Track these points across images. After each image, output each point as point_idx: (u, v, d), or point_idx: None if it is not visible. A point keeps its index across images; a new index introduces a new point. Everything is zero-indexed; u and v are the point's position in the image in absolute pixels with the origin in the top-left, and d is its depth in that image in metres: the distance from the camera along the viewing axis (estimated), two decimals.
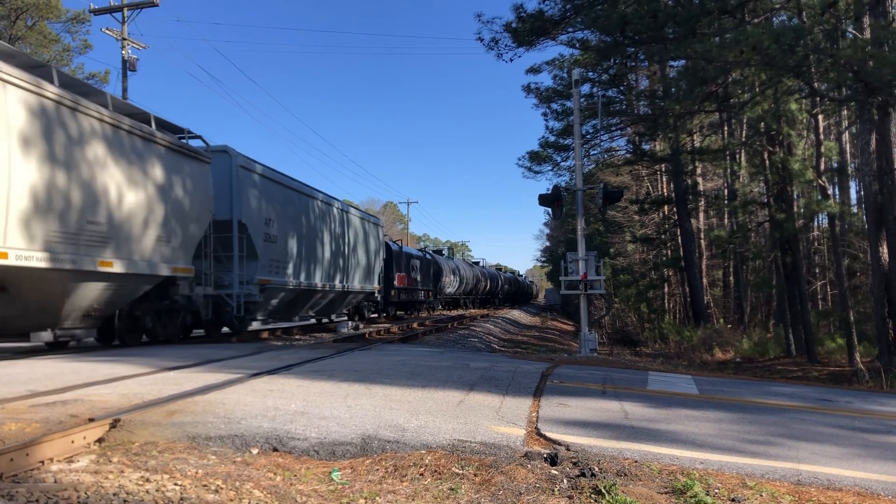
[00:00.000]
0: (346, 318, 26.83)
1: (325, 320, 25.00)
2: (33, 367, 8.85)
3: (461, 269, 49.41)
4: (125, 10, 31.31)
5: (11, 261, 9.73)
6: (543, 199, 17.42)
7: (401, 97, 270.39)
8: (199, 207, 14.73)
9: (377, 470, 4.83)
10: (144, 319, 13.81)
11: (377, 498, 4.29)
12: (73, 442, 4.87)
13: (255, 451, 5.12)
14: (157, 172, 13.38)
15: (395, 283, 31.88)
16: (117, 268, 12.01)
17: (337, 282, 22.79)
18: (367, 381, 8.26)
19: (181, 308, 14.78)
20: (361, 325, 25.17)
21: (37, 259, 10.25)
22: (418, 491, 4.44)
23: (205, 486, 4.23)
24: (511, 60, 25.65)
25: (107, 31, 30.94)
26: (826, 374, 19.88)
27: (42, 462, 4.51)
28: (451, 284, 45.31)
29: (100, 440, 5.15)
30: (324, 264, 21.53)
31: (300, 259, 19.60)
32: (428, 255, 41.39)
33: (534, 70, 34.64)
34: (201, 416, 5.85)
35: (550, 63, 34.40)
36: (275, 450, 5.17)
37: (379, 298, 28.71)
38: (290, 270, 18.86)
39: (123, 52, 31.15)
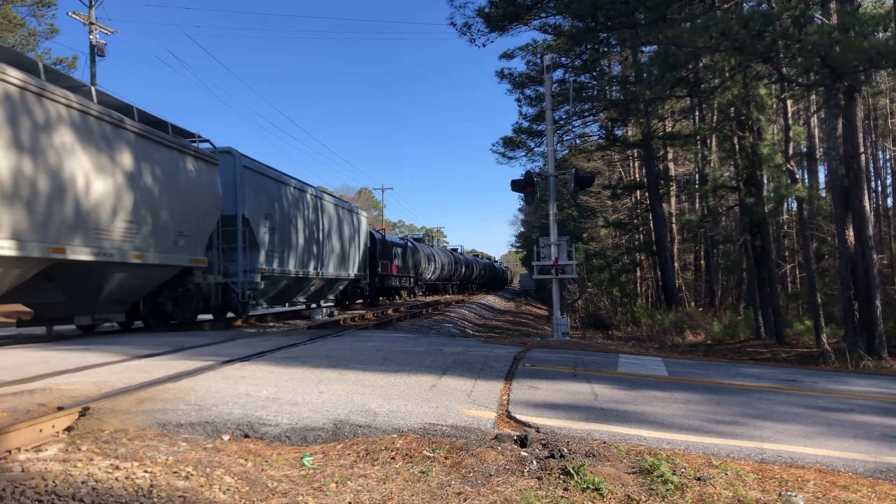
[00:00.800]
0: (332, 303, 28.30)
1: (313, 305, 26.12)
2: (2, 356, 8.74)
3: (440, 257, 51.19)
4: None
5: (68, 255, 11.06)
6: (516, 185, 17.48)
7: (376, 83, 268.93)
8: (210, 205, 16.02)
9: (349, 454, 4.86)
10: (166, 305, 15.45)
11: (348, 482, 4.32)
12: (41, 431, 4.84)
13: (226, 438, 5.12)
14: (177, 175, 14.64)
15: (379, 270, 33.43)
16: (147, 259, 13.36)
17: (329, 269, 24.28)
18: (339, 366, 8.28)
19: (195, 295, 16.30)
20: (336, 312, 25.14)
21: (85, 253, 11.45)
22: (389, 474, 4.48)
23: (175, 472, 4.23)
24: (484, 45, 25.67)
25: (74, 16, 30.39)
26: (794, 356, 20.25)
27: (9, 452, 4.47)
28: (430, 271, 47.09)
29: (69, 429, 5.12)
30: (315, 254, 22.86)
31: (295, 249, 20.94)
32: (409, 244, 42.66)
33: (507, 55, 34.71)
34: (172, 403, 5.83)
35: (524, 48, 34.44)
36: (246, 436, 5.18)
37: (364, 285, 30.23)
38: (287, 260, 20.21)
39: (91, 36, 30.61)
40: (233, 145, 17.70)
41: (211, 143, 16.76)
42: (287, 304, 23.06)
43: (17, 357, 8.69)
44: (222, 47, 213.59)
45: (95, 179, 11.79)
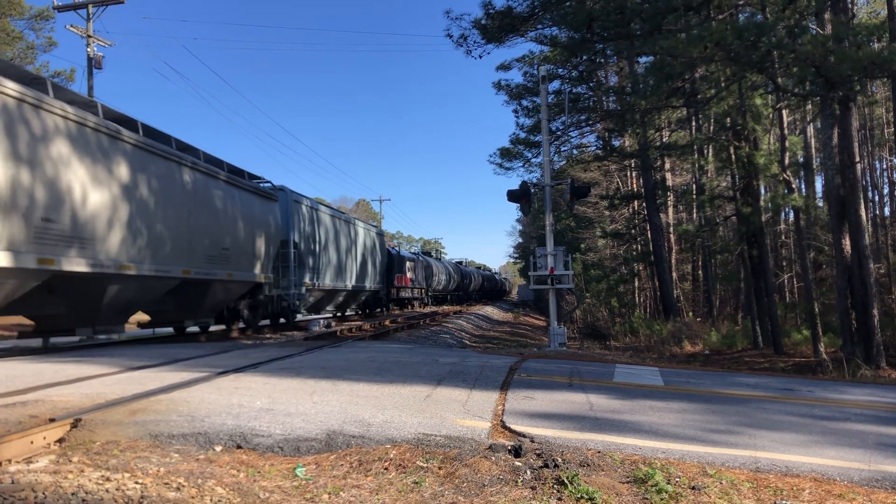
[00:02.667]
0: (355, 312, 32.95)
1: (339, 314, 30.30)
2: None
3: (447, 269, 56.28)
4: (90, 6, 30.85)
5: (191, 275, 15.09)
6: (512, 196, 17.49)
7: (373, 95, 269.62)
8: (272, 232, 19.96)
9: (342, 465, 4.83)
10: (242, 311, 19.32)
11: (341, 493, 4.29)
12: (32, 442, 4.82)
13: (218, 449, 5.10)
14: (252, 210, 18.69)
15: (395, 282, 37.53)
16: (235, 277, 17.28)
17: (354, 282, 28.54)
18: (334, 377, 8.25)
19: (261, 304, 20.05)
20: (333, 324, 25.18)
21: (202, 274, 15.66)
22: (382, 485, 4.45)
23: (166, 484, 4.20)
24: (480, 57, 25.75)
25: (72, 29, 30.47)
26: (791, 365, 20.20)
27: (0, 463, 4.45)
28: (439, 283, 51.97)
29: (60, 440, 5.09)
30: (344, 269, 27.19)
31: (330, 266, 25.16)
32: (420, 258, 47.08)
33: (504, 67, 34.85)
34: (164, 414, 5.80)
35: (520, 60, 34.61)
36: (238, 447, 5.15)
37: (382, 295, 34.56)
38: (324, 275, 24.48)
39: (89, 49, 30.69)
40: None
41: (271, 183, 21.02)
42: (321, 312, 27.00)
43: (11, 369, 8.66)
44: (219, 59, 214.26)
45: (210, 221, 16.11)
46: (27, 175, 10.37)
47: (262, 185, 20.24)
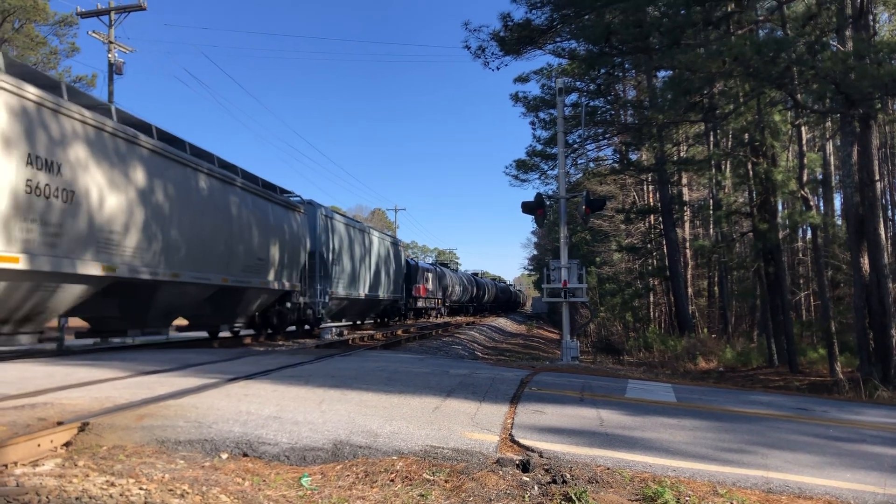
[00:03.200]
0: (373, 320, 33.75)
1: (359, 322, 31.32)
2: (6, 370, 8.74)
3: (463, 280, 57.75)
4: (112, 13, 31.18)
5: (229, 283, 16.27)
6: (526, 207, 17.44)
7: (391, 104, 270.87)
8: (301, 244, 21.14)
9: (347, 476, 4.79)
10: (272, 317, 20.36)
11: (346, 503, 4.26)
12: (39, 445, 4.81)
13: (224, 456, 5.07)
14: (284, 223, 19.78)
15: (414, 293, 38.89)
16: (269, 286, 18.51)
17: (373, 292, 29.42)
18: (343, 386, 8.21)
19: (289, 311, 20.88)
20: (345, 332, 25.20)
21: (234, 281, 16.64)
22: (388, 497, 4.41)
23: (171, 490, 4.18)
24: (498, 69, 25.76)
25: (94, 35, 30.79)
26: (807, 384, 19.98)
27: (6, 466, 4.45)
28: (455, 293, 53.41)
29: (67, 444, 5.09)
30: (366, 279, 28.30)
31: (352, 276, 26.26)
32: (437, 269, 48.60)
33: (521, 79, 34.79)
34: (172, 420, 5.79)
35: (538, 72, 34.54)
36: (245, 455, 5.13)
37: (401, 304, 35.42)
38: (347, 285, 25.58)
39: (110, 55, 31.00)
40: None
41: (300, 197, 22.06)
42: (342, 320, 28.37)
43: (23, 371, 8.69)
44: (237, 66, 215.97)
45: (246, 233, 17.27)
46: (96, 193, 11.64)
47: (291, 198, 21.39)
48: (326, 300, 22.68)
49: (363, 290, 27.75)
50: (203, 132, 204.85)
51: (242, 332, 19.95)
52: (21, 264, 9.81)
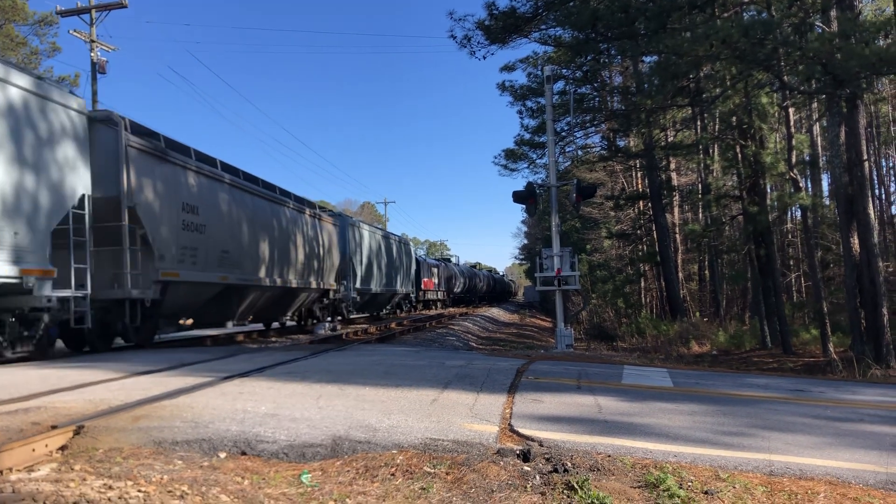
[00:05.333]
0: (387, 311, 37.33)
1: (376, 313, 35.26)
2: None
3: (465, 273, 63.02)
4: (93, 11, 30.88)
5: (288, 284, 20.32)
6: (517, 196, 17.41)
7: (377, 98, 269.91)
8: (335, 250, 25.17)
9: (348, 471, 4.76)
10: (315, 311, 24.22)
11: (347, 499, 4.22)
12: (34, 450, 4.75)
13: (222, 455, 5.02)
14: (321, 234, 23.66)
15: (422, 286, 43.70)
16: (314, 285, 22.34)
17: (390, 287, 34.44)
18: (340, 381, 8.17)
19: (328, 305, 25.11)
20: (339, 327, 25.19)
21: (295, 284, 20.88)
22: (389, 491, 4.38)
23: (170, 491, 4.13)
24: (484, 58, 25.59)
25: (75, 34, 30.50)
26: (801, 365, 20.08)
27: (0, 472, 4.38)
28: (458, 285, 58.73)
29: (62, 448, 5.03)
30: (384, 276, 33.05)
31: (373, 274, 30.87)
32: (442, 263, 53.97)
33: (508, 68, 34.65)
34: (168, 420, 5.74)
35: (524, 60, 34.42)
36: (243, 453, 5.08)
37: (412, 297, 40.98)
38: (369, 282, 29.98)
39: (92, 54, 30.72)
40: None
41: (332, 211, 27.81)
42: (364, 312, 33.12)
43: (15, 375, 8.61)
44: (222, 63, 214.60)
45: (298, 244, 21.08)
46: (214, 226, 15.95)
47: (327, 213, 26.00)
48: (354, 295, 27.50)
49: (382, 286, 32.49)
50: (188, 129, 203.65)
51: (288, 324, 23.61)
52: (180, 277, 14.38)
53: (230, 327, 18.13)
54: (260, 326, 22.07)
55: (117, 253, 12.70)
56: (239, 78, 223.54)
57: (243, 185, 17.72)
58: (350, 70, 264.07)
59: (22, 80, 10.87)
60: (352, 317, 29.44)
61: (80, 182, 11.99)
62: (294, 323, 23.90)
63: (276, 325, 22.79)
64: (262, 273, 18.36)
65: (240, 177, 17.81)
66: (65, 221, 11.56)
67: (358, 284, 27.77)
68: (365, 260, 29.30)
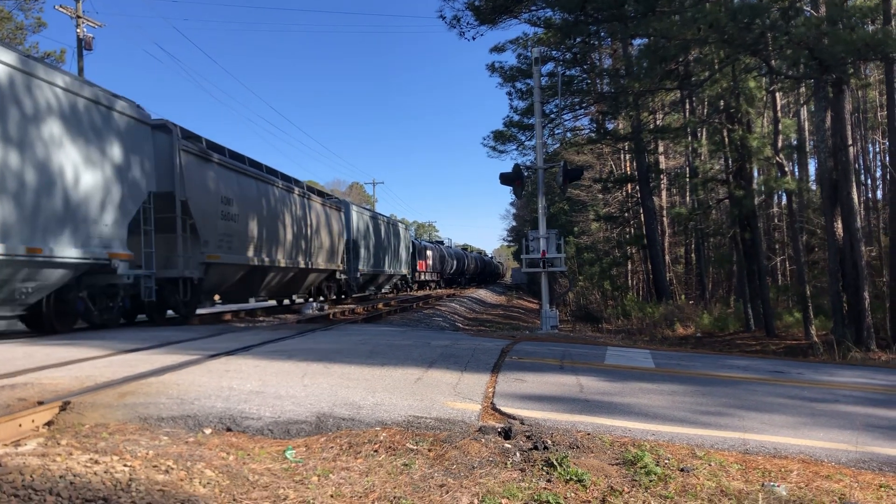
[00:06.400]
0: (386, 290, 40.56)
1: (377, 292, 37.82)
2: None
3: (456, 255, 65.46)
4: None
5: (301, 266, 22.42)
6: (504, 178, 17.42)
7: (366, 77, 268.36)
8: (340, 234, 27.63)
9: (331, 447, 4.83)
10: (324, 289, 26.86)
11: (331, 475, 4.29)
12: (20, 426, 4.79)
13: (208, 432, 5.09)
14: (330, 220, 26.09)
15: (418, 268, 46.46)
16: (319, 266, 24.29)
17: (391, 268, 37.25)
18: (325, 360, 8.24)
19: (334, 284, 27.65)
20: (326, 307, 25.25)
21: (307, 265, 23.00)
22: (372, 467, 4.45)
23: (155, 466, 4.19)
24: (474, 39, 25.63)
25: (61, 9, 30.16)
26: (783, 348, 20.32)
27: None
28: (450, 267, 60.92)
29: (49, 423, 5.07)
30: (384, 257, 35.66)
31: (375, 256, 33.66)
32: (436, 246, 56.55)
33: (498, 49, 34.52)
34: (154, 397, 5.79)
35: (514, 42, 34.28)
36: (228, 429, 5.14)
37: (409, 278, 43.65)
38: (371, 263, 32.72)
39: (79, 30, 30.42)
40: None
41: (337, 198, 30.86)
42: (366, 291, 35.21)
43: (2, 352, 8.62)
44: (210, 40, 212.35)
45: (309, 229, 23.39)
46: (246, 217, 18.29)
47: (332, 200, 28.52)
48: (358, 276, 30.18)
49: (384, 267, 35.40)
50: (178, 109, 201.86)
51: (298, 301, 25.99)
52: (220, 259, 16.68)
53: (252, 303, 21.09)
54: (273, 303, 25.06)
55: (170, 239, 15.06)
56: (227, 56, 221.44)
57: (267, 178, 20.25)
58: (340, 48, 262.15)
59: (122, 106, 13.33)
60: (355, 295, 32.21)
61: (148, 181, 14.18)
62: (302, 300, 26.21)
63: (286, 301, 25.59)
64: (281, 256, 20.58)
65: (263, 171, 20.44)
66: (137, 214, 13.82)
67: (361, 265, 30.67)
68: (367, 243, 31.98)
